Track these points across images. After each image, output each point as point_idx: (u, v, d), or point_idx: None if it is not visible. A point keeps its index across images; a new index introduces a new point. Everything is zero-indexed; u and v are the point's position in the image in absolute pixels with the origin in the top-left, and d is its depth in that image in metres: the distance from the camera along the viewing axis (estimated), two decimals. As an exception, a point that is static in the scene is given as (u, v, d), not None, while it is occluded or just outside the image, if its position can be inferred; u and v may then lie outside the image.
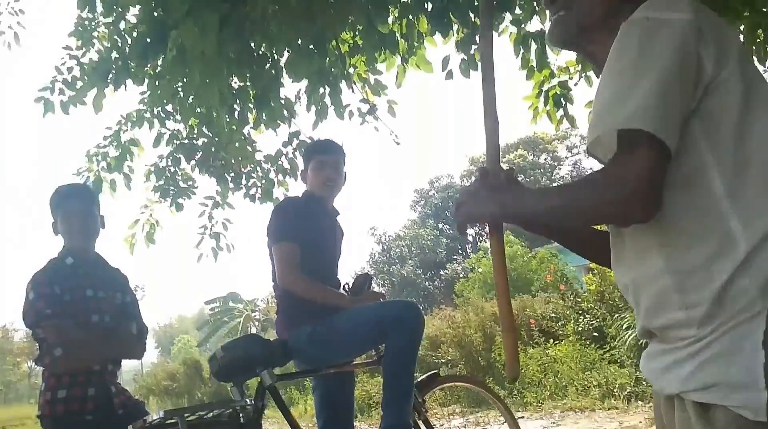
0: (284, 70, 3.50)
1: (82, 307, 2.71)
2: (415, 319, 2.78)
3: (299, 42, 3.26)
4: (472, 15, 3.48)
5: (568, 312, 10.01)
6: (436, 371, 3.55)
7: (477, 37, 3.72)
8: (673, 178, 1.06)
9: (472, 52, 3.77)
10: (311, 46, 3.29)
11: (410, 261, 32.43)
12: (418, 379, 3.26)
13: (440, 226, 34.58)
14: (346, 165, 3.26)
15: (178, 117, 4.83)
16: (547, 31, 1.38)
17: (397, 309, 2.82)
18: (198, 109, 4.31)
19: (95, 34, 4.82)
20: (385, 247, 34.22)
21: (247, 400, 2.69)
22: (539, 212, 1.19)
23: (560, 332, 9.91)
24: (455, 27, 3.57)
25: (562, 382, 8.76)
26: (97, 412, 2.61)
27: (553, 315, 10.41)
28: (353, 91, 4.22)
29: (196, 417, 2.52)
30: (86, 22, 4.80)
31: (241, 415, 2.65)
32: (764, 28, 3.57)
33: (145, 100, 4.98)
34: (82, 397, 2.61)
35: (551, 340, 9.83)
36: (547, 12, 1.34)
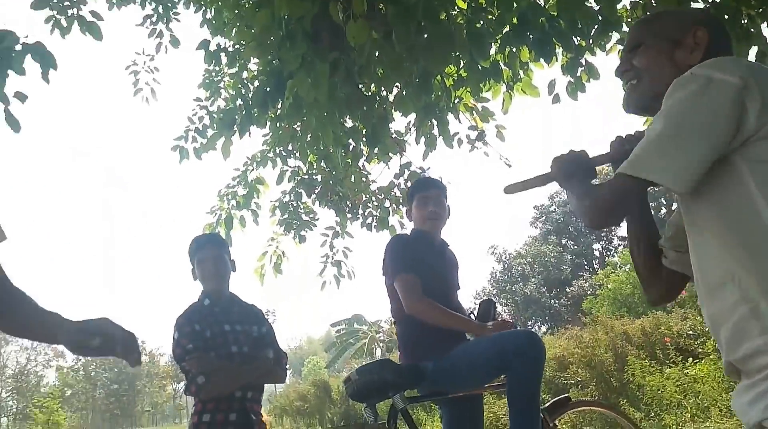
0: (392, 107, 3.66)
1: (221, 341, 2.98)
2: (537, 349, 2.76)
3: (405, 81, 3.41)
4: (575, 39, 3.48)
5: (707, 328, 9.40)
6: (567, 395, 3.49)
7: (582, 59, 3.71)
8: (731, 215, 1.18)
9: (578, 74, 3.75)
10: (417, 84, 3.43)
11: (533, 279, 31.70)
12: (549, 403, 3.24)
13: (563, 241, 33.58)
14: (448, 199, 3.33)
15: (298, 155, 5.13)
16: (622, 99, 1.49)
17: (518, 340, 2.80)
18: (315, 147, 4.60)
19: (221, 84, 5.27)
20: (506, 265, 33.69)
21: (380, 423, 2.82)
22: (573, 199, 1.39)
23: (699, 350, 9.31)
24: (559, 51, 3.57)
25: (704, 403, 8.22)
26: None
27: (690, 332, 9.81)
28: (460, 121, 4.32)
29: (334, 437, 2.67)
30: (213, 75, 5.27)
31: (374, 434, 2.79)
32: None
33: (268, 142, 5.36)
34: (224, 422, 2.86)
35: (690, 359, 9.26)
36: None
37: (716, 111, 1.15)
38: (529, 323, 30.36)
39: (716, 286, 1.20)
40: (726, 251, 1.17)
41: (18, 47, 2.91)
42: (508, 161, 4.90)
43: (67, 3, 3.44)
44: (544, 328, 29.54)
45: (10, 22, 3.11)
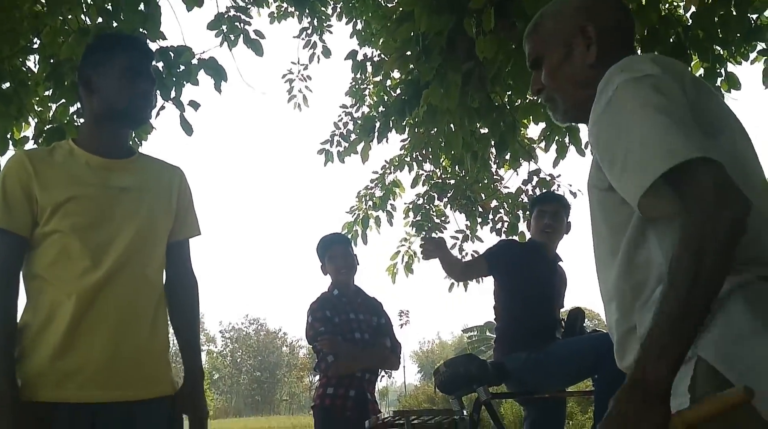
0: (522, 115, 3.80)
1: (347, 327, 3.35)
2: None
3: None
4: (718, 48, 3.44)
5: None
6: None
7: (722, 69, 3.64)
8: (627, 233, 1.11)
9: (717, 83, 3.69)
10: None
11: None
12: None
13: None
14: (569, 216, 3.45)
15: (432, 160, 5.40)
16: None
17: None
18: (448, 153, 4.84)
19: (366, 92, 5.66)
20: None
21: (464, 412, 3.06)
22: (684, 324, 0.97)
23: None
24: (692, 63, 3.54)
25: None
26: (353, 410, 3.18)
27: None
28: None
29: (420, 420, 3.02)
30: (359, 83, 5.67)
31: (458, 424, 3.03)
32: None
33: (405, 147, 5.67)
34: (344, 396, 3.22)
35: None
36: None
37: (677, 99, 1.06)
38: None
39: (606, 300, 1.20)
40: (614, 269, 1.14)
41: (194, 61, 3.40)
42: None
43: (236, 23, 3.93)
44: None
45: (187, 36, 3.64)
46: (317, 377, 3.48)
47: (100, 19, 3.09)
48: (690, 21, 3.38)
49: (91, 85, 1.70)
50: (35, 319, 1.57)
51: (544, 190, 5.05)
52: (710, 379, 1.01)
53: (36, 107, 3.60)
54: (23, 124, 3.48)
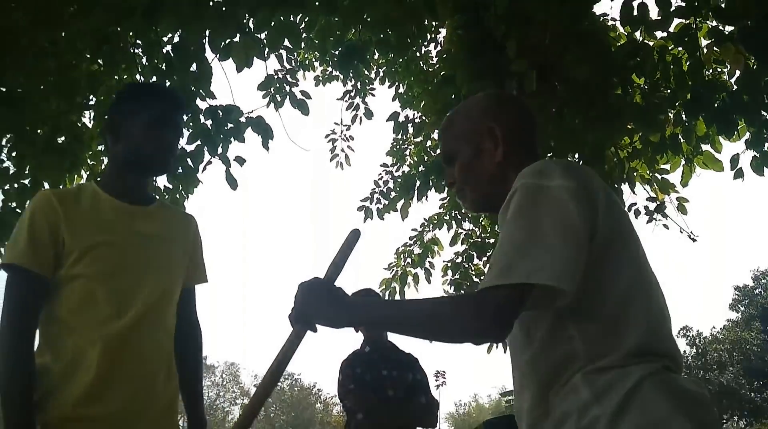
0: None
1: (379, 384, 3.28)
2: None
3: (577, 153, 3.54)
4: (764, 113, 3.39)
5: None
6: None
7: (769, 134, 3.58)
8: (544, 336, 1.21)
9: (765, 148, 3.62)
10: (589, 155, 3.54)
11: (731, 368, 28.53)
12: None
13: (769, 328, 29.97)
14: None
15: (471, 219, 5.38)
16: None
17: None
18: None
19: (407, 152, 5.73)
20: (700, 350, 30.71)
21: None
22: (399, 327, 1.25)
23: None
24: (738, 127, 3.49)
25: None
26: None
27: None
28: (635, 193, 4.29)
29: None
30: (400, 143, 5.76)
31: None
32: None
33: (445, 205, 5.68)
34: None
35: None
36: None
37: (568, 216, 1.14)
38: (725, 417, 27.17)
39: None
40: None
41: (242, 119, 3.51)
42: (693, 235, 4.72)
43: (284, 84, 4.07)
44: (742, 424, 26.27)
45: (236, 95, 3.79)
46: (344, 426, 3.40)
47: (154, 78, 3.22)
48: (735, 86, 3.35)
49: (118, 132, 1.71)
50: (56, 364, 1.55)
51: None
52: None
53: (89, 161, 3.74)
54: (75, 176, 3.61)
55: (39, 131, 3.38)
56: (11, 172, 3.63)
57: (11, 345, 1.53)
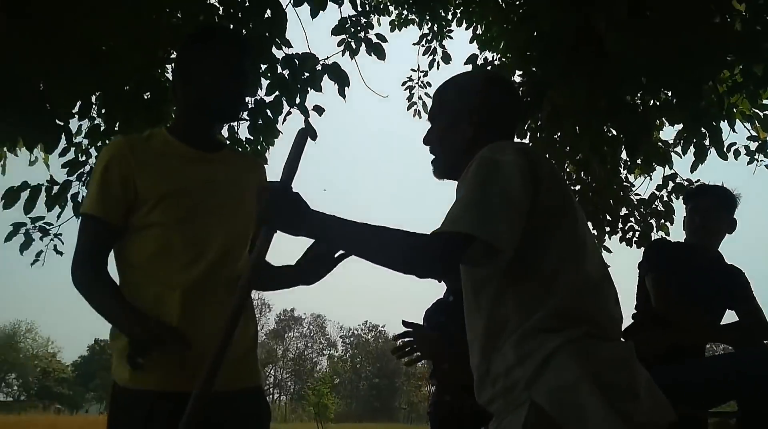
0: (657, 116, 3.56)
1: (462, 336, 3.22)
2: None
3: (672, 88, 3.31)
4: None
5: None
6: None
7: None
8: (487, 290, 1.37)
9: None
10: (685, 91, 3.30)
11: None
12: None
13: None
14: (730, 210, 3.07)
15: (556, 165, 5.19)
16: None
17: (761, 363, 2.52)
18: (574, 157, 4.63)
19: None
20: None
21: None
22: (351, 245, 1.41)
23: None
24: None
25: None
26: (469, 420, 3.06)
27: None
28: (735, 131, 3.99)
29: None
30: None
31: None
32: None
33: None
34: (461, 405, 3.10)
35: None
36: None
37: (517, 183, 1.28)
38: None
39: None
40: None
41: (318, 68, 3.48)
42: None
43: (358, 28, 4.00)
44: None
45: (312, 45, 3.76)
46: (429, 375, 3.41)
47: (231, 26, 3.23)
48: None
49: (189, 77, 1.69)
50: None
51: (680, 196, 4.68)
52: (541, 420, 1.23)
53: (173, 114, 3.83)
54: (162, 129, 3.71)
55: (125, 88, 3.49)
56: (102, 128, 3.79)
57: (87, 278, 1.59)
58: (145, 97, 3.53)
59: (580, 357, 1.25)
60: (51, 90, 3.14)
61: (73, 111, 3.34)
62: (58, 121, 3.26)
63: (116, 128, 3.58)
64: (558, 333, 1.27)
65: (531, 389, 1.25)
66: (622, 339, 1.42)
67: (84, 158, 3.93)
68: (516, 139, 1.52)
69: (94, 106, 3.70)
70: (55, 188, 3.76)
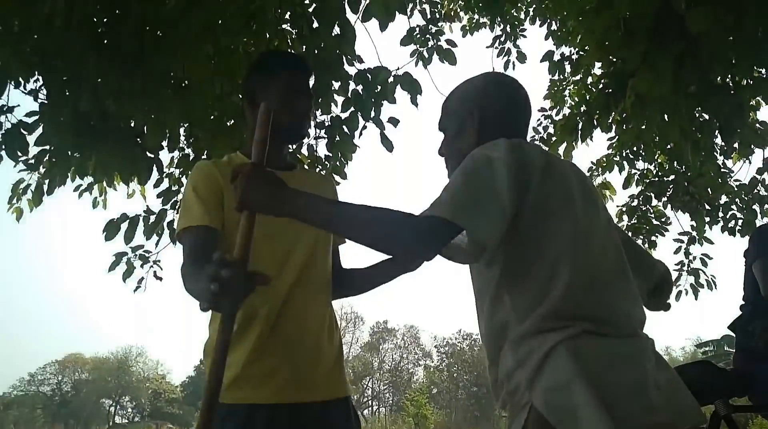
0: (752, 95, 3.34)
1: None
2: None
3: (763, 68, 3.09)
4: None
5: None
6: None
7: None
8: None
9: None
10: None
11: None
12: None
13: None
14: None
15: (646, 157, 4.96)
16: None
17: None
18: (665, 146, 4.41)
19: (566, 93, 5.40)
20: None
21: (703, 427, 2.62)
22: (333, 223, 1.35)
23: None
24: None
25: None
26: None
27: None
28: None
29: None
30: (557, 84, 5.43)
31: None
32: None
33: (614, 145, 5.29)
34: None
35: None
36: None
37: (501, 178, 1.28)
38: None
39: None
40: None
41: (390, 79, 3.49)
42: None
43: (428, 36, 3.99)
44: None
45: (382, 57, 3.78)
46: None
47: (303, 48, 3.30)
48: None
49: (256, 101, 1.74)
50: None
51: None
52: (538, 421, 1.21)
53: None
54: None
55: (211, 117, 3.63)
56: (191, 158, 3.96)
57: (191, 270, 1.54)
58: (228, 124, 3.66)
59: (574, 356, 1.22)
60: (140, 124, 3.31)
61: (163, 143, 3.51)
62: (149, 154, 3.44)
63: (204, 156, 3.73)
64: (555, 333, 1.25)
65: (531, 391, 1.24)
66: (639, 334, 1.35)
67: (177, 187, 4.12)
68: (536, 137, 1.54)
69: (182, 137, 3.88)
70: (152, 218, 3.96)
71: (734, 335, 2.98)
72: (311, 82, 1.91)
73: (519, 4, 5.17)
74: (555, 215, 1.32)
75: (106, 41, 3.00)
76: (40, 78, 3.11)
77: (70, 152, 3.29)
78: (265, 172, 1.33)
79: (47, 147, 3.33)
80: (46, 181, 3.67)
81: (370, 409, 61.23)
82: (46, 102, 3.12)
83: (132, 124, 3.36)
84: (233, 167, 1.37)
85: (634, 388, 1.22)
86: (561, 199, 1.34)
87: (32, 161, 3.53)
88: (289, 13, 3.35)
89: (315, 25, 3.20)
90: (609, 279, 1.34)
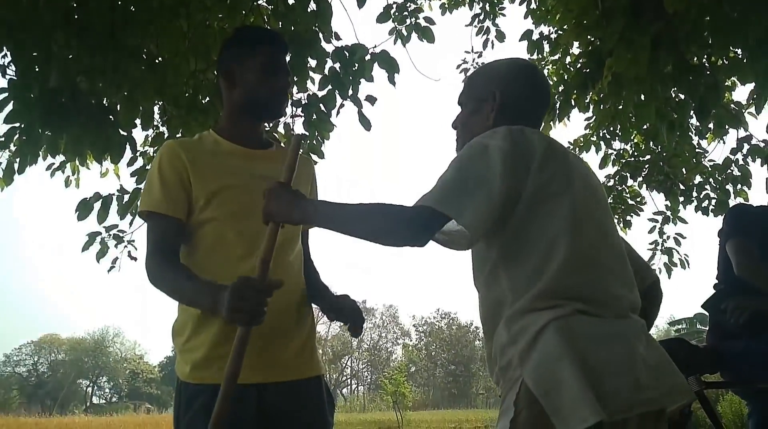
0: (726, 75, 3.36)
1: None
2: None
3: (741, 45, 3.11)
4: None
5: None
6: None
7: None
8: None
9: None
10: (756, 47, 3.10)
11: None
12: None
13: None
14: None
15: (622, 137, 5.00)
16: None
17: None
18: (641, 126, 4.44)
19: (545, 72, 5.39)
20: None
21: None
22: (336, 223, 1.44)
23: None
24: None
25: None
26: None
27: None
28: (815, 84, 3.72)
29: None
30: (536, 64, 5.42)
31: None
32: None
33: (591, 125, 5.31)
34: None
35: None
36: None
37: (498, 165, 1.33)
38: None
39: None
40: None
41: (367, 57, 3.45)
42: None
43: (405, 13, 3.95)
44: None
45: (360, 35, 3.74)
46: None
47: (279, 24, 3.24)
48: None
49: (233, 78, 1.73)
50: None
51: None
52: (527, 396, 1.25)
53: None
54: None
55: (186, 94, 3.56)
56: (165, 136, 3.90)
57: (160, 269, 1.62)
58: (204, 101, 3.60)
59: (565, 334, 1.26)
60: (113, 102, 3.24)
61: (136, 121, 3.44)
62: (122, 132, 3.37)
63: (178, 135, 3.67)
64: (548, 311, 1.28)
65: (522, 367, 1.28)
66: (631, 316, 1.39)
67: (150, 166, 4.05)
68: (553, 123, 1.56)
69: (156, 115, 3.81)
70: (126, 197, 3.90)
71: (707, 314, 3.02)
72: (287, 58, 1.88)
73: (498, -18, 5.13)
74: (554, 199, 1.36)
75: (76, 15, 2.92)
76: (8, 54, 3.03)
77: (40, 130, 3.22)
78: (289, 189, 1.50)
79: (17, 124, 3.25)
80: (17, 160, 3.60)
81: (349, 387, 61.64)
82: (15, 78, 3.04)
83: (104, 102, 3.28)
84: (265, 190, 1.50)
85: (622, 366, 1.25)
86: (561, 183, 1.38)
87: (2, 139, 3.45)
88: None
89: (291, 0, 3.15)
90: (604, 261, 1.38)
